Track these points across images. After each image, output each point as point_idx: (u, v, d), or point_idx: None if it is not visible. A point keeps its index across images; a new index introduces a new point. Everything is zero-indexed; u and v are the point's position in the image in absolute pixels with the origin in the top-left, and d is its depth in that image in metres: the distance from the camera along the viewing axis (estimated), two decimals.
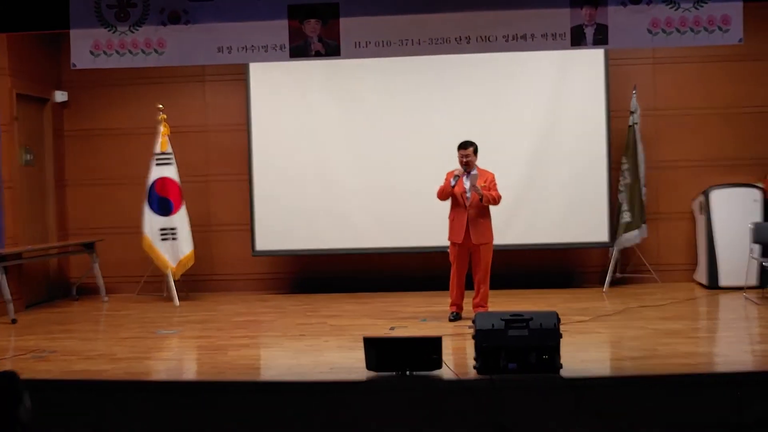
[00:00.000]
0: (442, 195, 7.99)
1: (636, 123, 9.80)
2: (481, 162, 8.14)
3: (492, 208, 8.08)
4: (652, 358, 6.31)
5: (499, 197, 8.00)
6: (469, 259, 8.09)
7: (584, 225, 9.88)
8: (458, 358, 6.63)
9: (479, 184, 7.89)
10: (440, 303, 8.79)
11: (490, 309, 8.07)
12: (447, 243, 8.18)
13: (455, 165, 8.09)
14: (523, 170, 9.92)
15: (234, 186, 10.57)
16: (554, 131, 9.94)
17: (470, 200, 7.89)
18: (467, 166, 7.94)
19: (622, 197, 9.85)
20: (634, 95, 9.85)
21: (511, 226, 9.75)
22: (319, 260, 10.47)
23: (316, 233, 10.10)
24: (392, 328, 7.81)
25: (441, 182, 8.07)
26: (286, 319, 8.64)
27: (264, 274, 10.64)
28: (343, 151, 10.10)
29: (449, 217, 8.13)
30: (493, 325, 5.78)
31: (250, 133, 10.19)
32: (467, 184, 7.92)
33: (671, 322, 7.79)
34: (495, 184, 8.03)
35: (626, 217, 9.79)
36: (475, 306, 8.10)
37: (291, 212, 10.12)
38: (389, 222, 10.02)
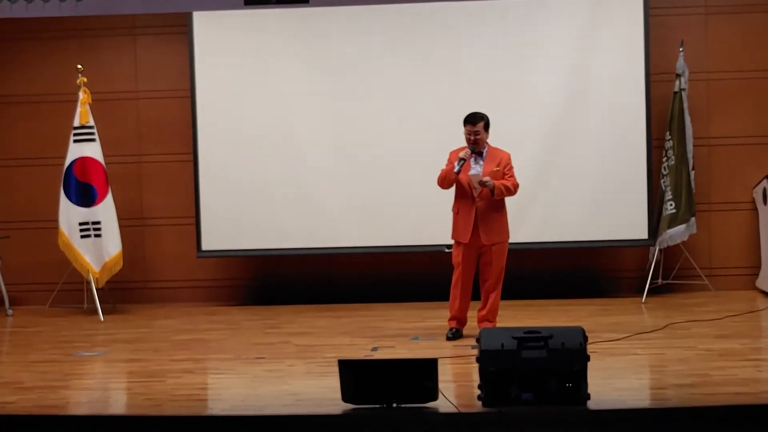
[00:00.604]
0: (445, 182, 7.99)
1: (683, 89, 9.87)
2: (492, 140, 8.19)
3: (508, 199, 8.14)
4: (702, 386, 6.34)
5: (516, 186, 8.04)
6: (477, 262, 8.11)
7: (617, 218, 9.93)
8: (459, 386, 6.63)
9: (490, 169, 7.93)
10: (436, 317, 8.77)
11: (498, 324, 8.12)
12: (447, 241, 8.23)
13: (458, 142, 8.10)
14: (541, 150, 9.97)
15: (174, 168, 10.55)
16: (579, 100, 9.98)
17: (479, 190, 7.95)
18: (476, 145, 7.97)
19: (666, 183, 9.94)
20: (681, 54, 9.89)
21: (525, 221, 9.79)
22: (282, 263, 10.47)
23: (279, 228, 10.13)
24: (375, 349, 7.83)
25: (443, 165, 8.10)
26: (241, 337, 8.65)
27: (212, 280, 10.67)
28: (315, 125, 10.12)
29: (453, 209, 8.16)
30: (502, 345, 5.78)
31: (195, 102, 10.17)
32: (476, 169, 7.98)
33: (727, 341, 7.81)
34: (511, 168, 8.08)
35: (670, 208, 9.88)
36: (481, 320, 8.15)
37: (247, 202, 10.15)
38: (373, 214, 10.07)
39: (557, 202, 9.98)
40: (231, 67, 10.15)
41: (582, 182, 9.98)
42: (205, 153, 10.18)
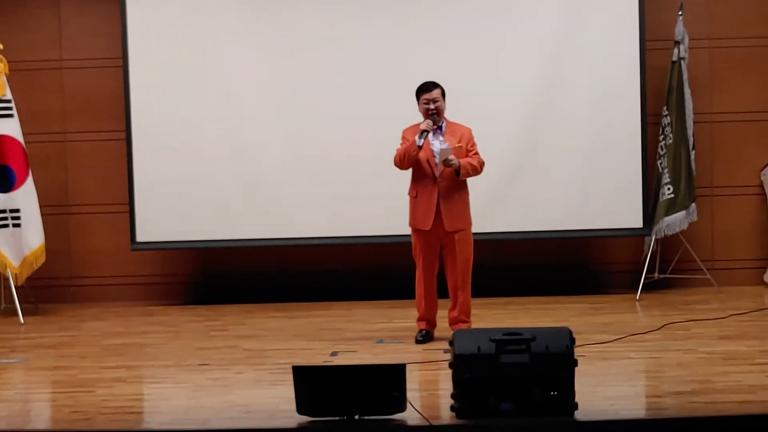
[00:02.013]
0: (405, 161, 8.01)
1: (683, 58, 9.94)
2: (463, 119, 8.22)
3: (482, 183, 8.23)
4: (703, 394, 6.36)
5: (482, 164, 8.10)
6: (439, 254, 8.16)
7: (608, 204, 9.99)
8: (429, 395, 6.64)
9: (452, 145, 7.96)
10: (404, 317, 8.83)
11: (474, 325, 8.11)
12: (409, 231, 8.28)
13: (415, 119, 8.15)
14: (522, 127, 10.01)
15: (104, 148, 10.54)
16: (565, 71, 10.01)
17: (440, 167, 7.97)
18: (437, 115, 8.00)
19: (663, 164, 10.02)
20: (681, 19, 9.94)
21: (504, 208, 9.89)
22: (229, 256, 10.51)
23: (225, 217, 10.14)
24: (334, 354, 7.86)
25: (398, 144, 8.14)
26: (181, 341, 8.66)
27: (149, 276, 10.67)
28: (268, 100, 10.15)
29: (410, 192, 8.20)
30: (479, 348, 5.78)
31: (128, 73, 10.13)
32: (437, 145, 7.98)
33: (732, 342, 7.85)
34: (475, 145, 8.14)
35: (668, 192, 9.97)
36: (453, 321, 8.14)
37: (189, 187, 10.15)
38: (333, 201, 10.10)
39: (540, 187, 10.00)
40: (170, 33, 10.10)
41: (568, 164, 10.01)
42: (140, 131, 10.14)
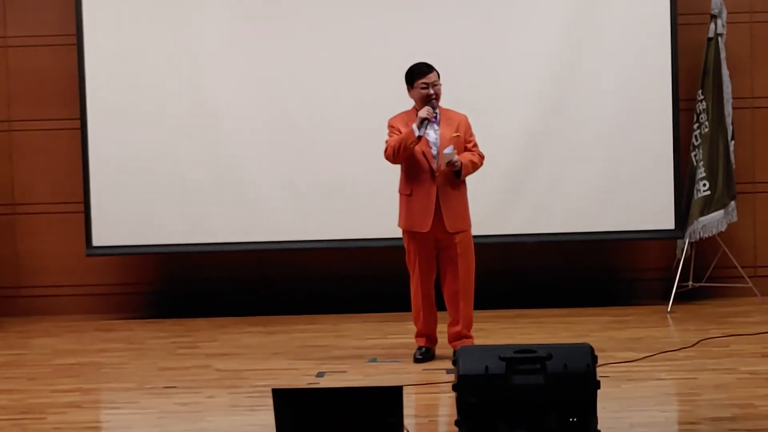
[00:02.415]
0: (401, 154, 8.00)
1: (720, 34, 9.95)
2: (470, 104, 8.27)
3: (485, 177, 8.27)
4: (745, 420, 6.34)
5: (483, 158, 8.17)
6: (436, 259, 8.19)
7: (635, 203, 9.98)
8: (430, 422, 6.67)
9: (449, 134, 8.02)
10: (401, 332, 8.88)
11: (478, 341, 8.16)
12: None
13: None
14: (536, 113, 10.01)
15: (56, 139, 10.56)
16: (586, 50, 10.03)
17: (438, 162, 8.00)
18: (436, 98, 8.05)
19: (698, 157, 10.03)
20: None
21: (515, 206, 9.91)
22: (200, 262, 10.52)
23: (195, 218, 10.15)
24: (321, 375, 7.88)
25: (387, 136, 8.16)
26: (144, 360, 8.66)
27: (107, 285, 10.66)
28: (243, 83, 10.14)
29: (401, 190, 8.24)
30: (486, 368, 5.77)
31: (82, 52, 10.12)
32: (432, 135, 8.02)
33: None
34: (473, 136, 8.22)
35: (704, 189, 9.98)
36: (454, 337, 8.17)
37: (154, 183, 10.15)
38: (320, 200, 10.09)
39: (557, 182, 10.01)
40: (131, 5, 10.09)
41: (589, 156, 10.01)
42: (97, 119, 10.12)
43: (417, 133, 7.85)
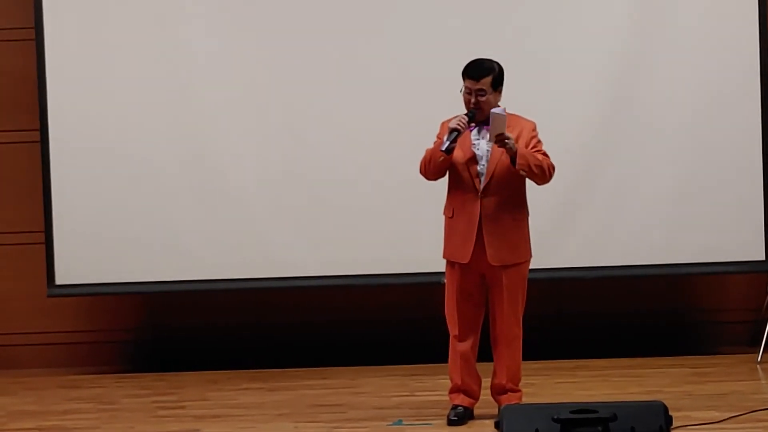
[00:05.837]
0: (429, 168, 7.69)
1: None
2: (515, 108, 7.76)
3: (535, 203, 7.91)
4: None
5: (552, 168, 7.63)
6: (485, 297, 7.80)
7: (714, 229, 9.62)
8: None
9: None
10: (431, 388, 8.69)
11: (527, 398, 7.88)
12: (441, 268, 7.94)
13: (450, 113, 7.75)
14: (594, 126, 9.74)
15: (11, 154, 10.37)
16: (654, 46, 9.70)
17: (487, 176, 7.54)
18: (478, 110, 7.57)
19: None
20: None
21: (568, 235, 9.67)
22: (185, 304, 10.32)
23: (178, 251, 9.89)
24: None
25: (429, 145, 7.83)
26: (119, 424, 8.30)
27: (73, 332, 10.40)
28: (235, 87, 9.87)
29: (445, 212, 7.85)
30: (537, 431, 6.01)
31: (43, 50, 9.85)
32: (482, 144, 7.61)
33: None
34: (539, 142, 7.71)
35: None
36: (498, 390, 7.84)
37: (128, 209, 9.86)
38: (330, 229, 9.82)
39: (619, 207, 9.70)
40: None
41: (658, 174, 9.67)
42: (61, 130, 9.84)
43: (443, 148, 7.48)
